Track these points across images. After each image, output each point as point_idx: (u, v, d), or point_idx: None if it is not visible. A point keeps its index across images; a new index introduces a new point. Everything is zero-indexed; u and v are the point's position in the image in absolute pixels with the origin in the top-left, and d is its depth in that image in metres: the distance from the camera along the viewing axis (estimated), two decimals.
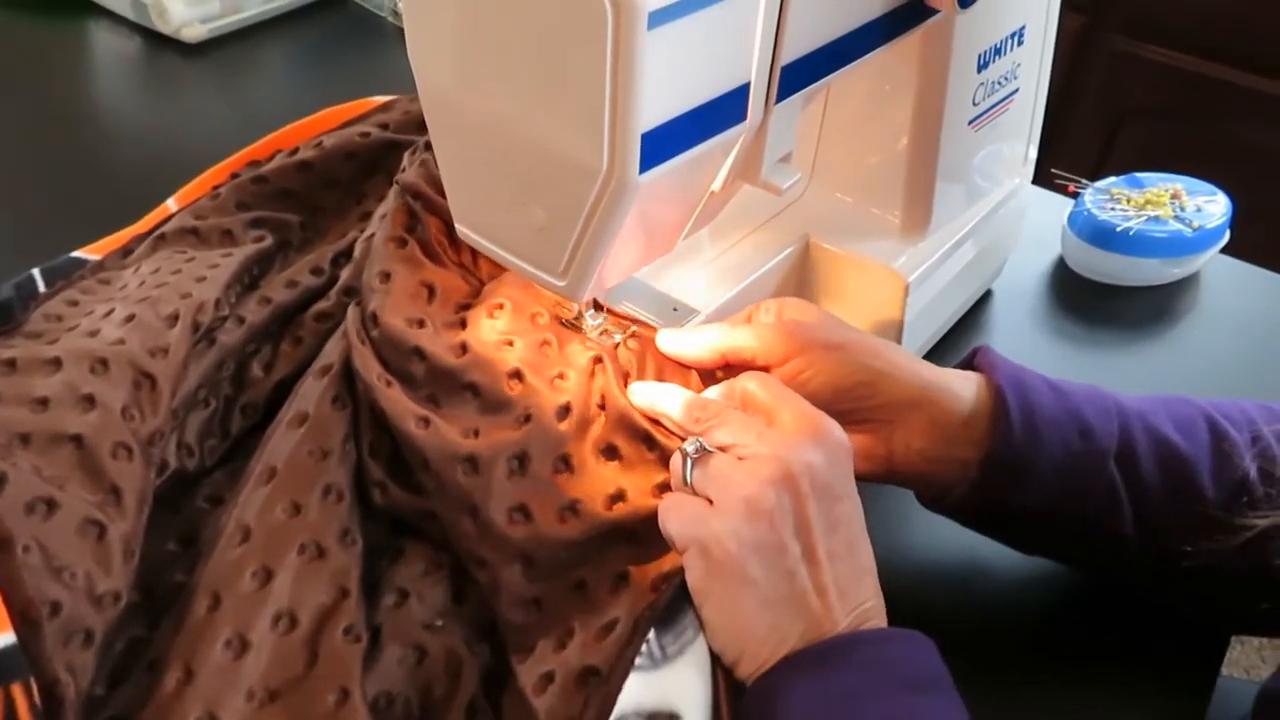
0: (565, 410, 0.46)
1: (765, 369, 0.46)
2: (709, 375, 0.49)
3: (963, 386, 0.46)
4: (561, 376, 0.48)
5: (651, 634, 0.40)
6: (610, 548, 0.43)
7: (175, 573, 0.45)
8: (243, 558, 0.43)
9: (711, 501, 0.41)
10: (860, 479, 0.47)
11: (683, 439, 0.44)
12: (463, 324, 0.51)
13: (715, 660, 0.40)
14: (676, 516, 0.41)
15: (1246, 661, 1.32)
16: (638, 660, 0.39)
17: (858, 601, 0.40)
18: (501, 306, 0.51)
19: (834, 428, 0.42)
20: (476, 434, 0.46)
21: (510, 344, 0.49)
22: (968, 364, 0.50)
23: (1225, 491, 0.45)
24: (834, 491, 0.41)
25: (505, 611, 0.43)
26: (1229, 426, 0.46)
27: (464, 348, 0.49)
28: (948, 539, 0.53)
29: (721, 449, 0.42)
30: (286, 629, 0.41)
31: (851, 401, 0.45)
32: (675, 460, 0.43)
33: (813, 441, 0.41)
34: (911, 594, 0.52)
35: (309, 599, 0.42)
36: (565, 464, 0.45)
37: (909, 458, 0.46)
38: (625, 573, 0.43)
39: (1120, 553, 0.46)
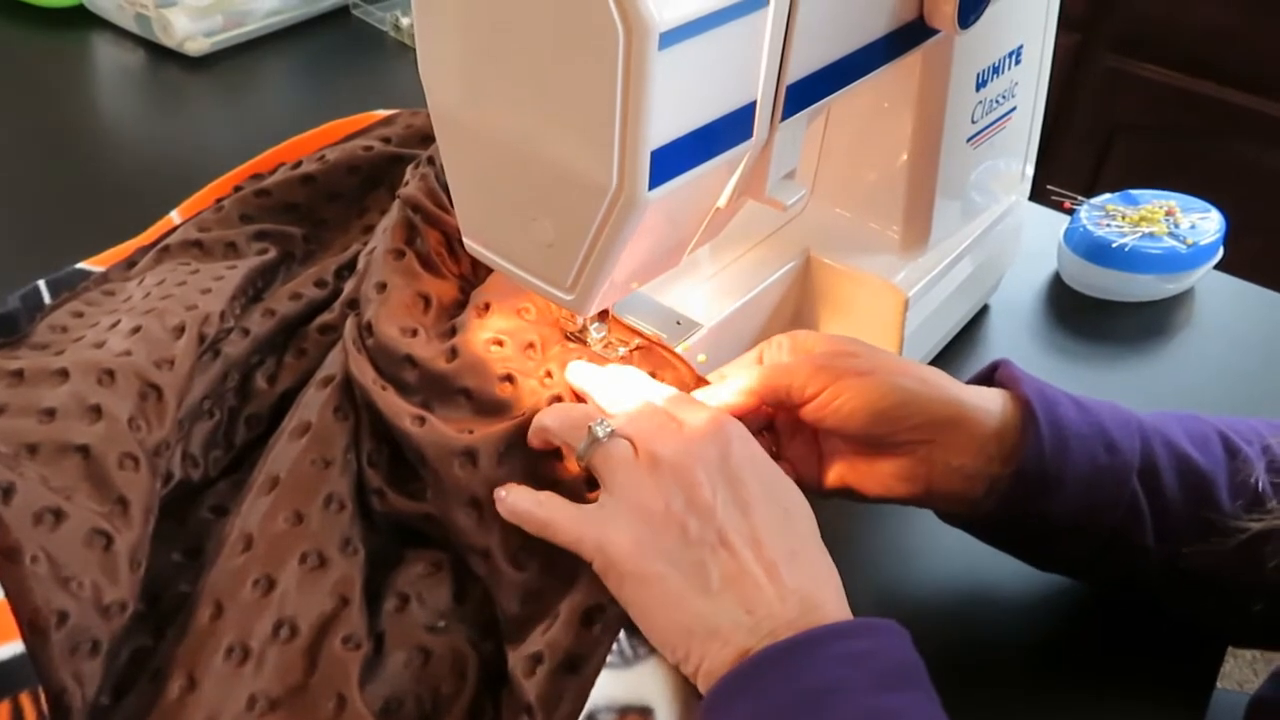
0: (556, 401, 0.47)
1: (800, 404, 0.46)
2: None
3: (990, 401, 0.46)
4: (549, 375, 0.49)
5: (622, 635, 0.41)
6: None
7: (180, 583, 0.45)
8: (245, 566, 0.43)
9: (604, 496, 0.42)
10: (901, 502, 0.48)
11: None
12: (453, 331, 0.51)
13: None
14: (568, 518, 0.42)
15: (1239, 675, 1.33)
16: (609, 659, 0.40)
17: (797, 582, 0.40)
18: (488, 307, 0.52)
19: (726, 419, 0.43)
20: (472, 432, 0.46)
21: (500, 344, 0.50)
22: (986, 376, 0.50)
23: (1240, 504, 0.45)
24: (740, 479, 0.41)
25: (504, 602, 0.43)
26: (1240, 442, 0.46)
27: (453, 351, 0.49)
28: (943, 558, 0.54)
29: (627, 437, 0.43)
30: (287, 637, 0.42)
31: (889, 424, 0.45)
32: (579, 435, 0.44)
33: (706, 436, 0.42)
34: (905, 613, 0.53)
35: (310, 608, 0.43)
36: (556, 451, 0.46)
37: (948, 475, 0.46)
38: None
39: (1138, 566, 0.46)
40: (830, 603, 0.40)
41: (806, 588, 0.40)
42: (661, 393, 0.47)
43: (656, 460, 0.42)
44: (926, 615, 0.52)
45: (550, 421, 0.45)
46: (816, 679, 0.36)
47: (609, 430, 0.43)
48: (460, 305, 0.55)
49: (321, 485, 0.47)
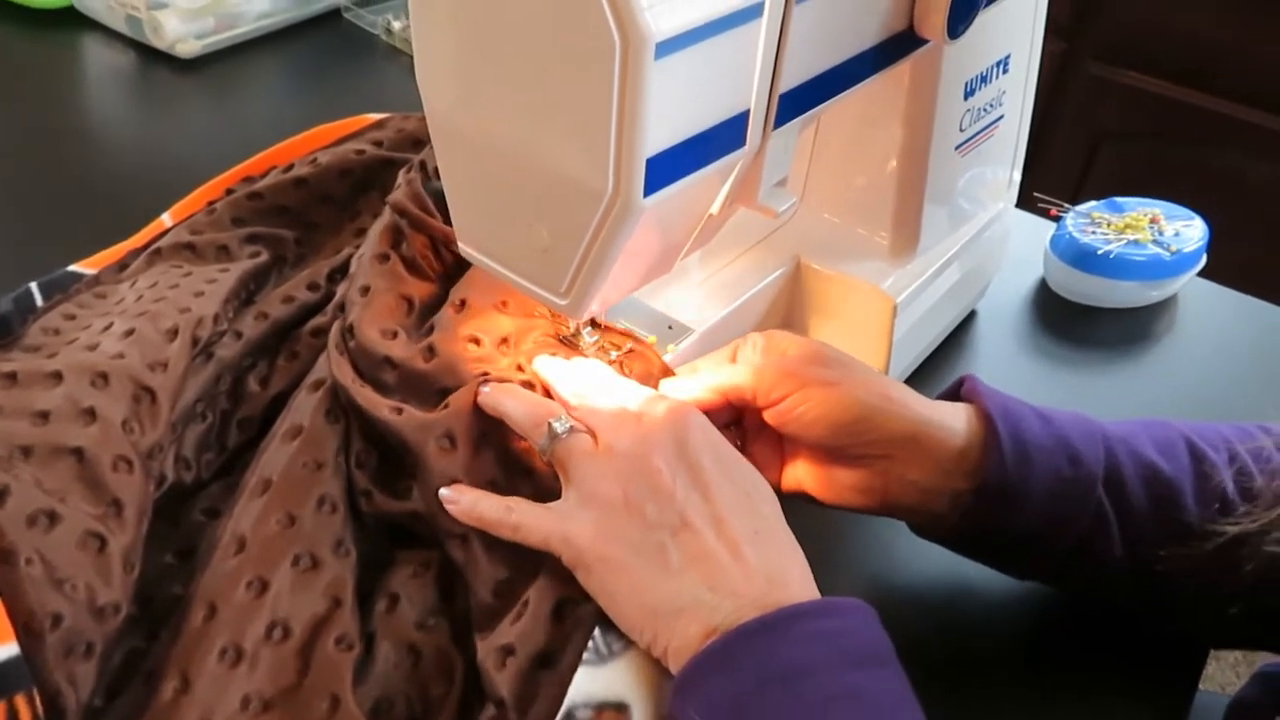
0: (528, 387, 0.48)
1: (764, 407, 0.47)
2: None
3: (954, 418, 0.47)
4: (519, 369, 0.49)
5: (597, 632, 0.41)
6: None
7: (173, 585, 0.45)
8: (238, 568, 0.44)
9: (564, 483, 0.43)
10: (857, 511, 0.49)
11: None
12: (431, 330, 0.52)
13: None
14: (534, 519, 0.43)
15: (1222, 678, 1.34)
16: (585, 655, 0.41)
17: (763, 560, 0.40)
18: (464, 303, 0.52)
19: (683, 406, 0.45)
20: (447, 406, 0.47)
21: (477, 342, 0.50)
22: (953, 393, 0.50)
23: (1207, 510, 0.46)
24: (698, 463, 0.42)
25: (479, 590, 0.44)
26: (1207, 448, 0.47)
27: (431, 350, 0.50)
28: (930, 558, 0.54)
29: (589, 429, 0.44)
30: (280, 639, 0.42)
31: (847, 437, 0.46)
32: (541, 431, 0.45)
33: (667, 425, 0.43)
34: (893, 612, 0.53)
35: (302, 609, 0.43)
36: None
37: (903, 490, 0.47)
38: None
39: (1109, 573, 0.47)
40: (795, 582, 0.41)
41: (771, 566, 0.40)
42: (624, 386, 0.47)
43: (613, 450, 0.43)
44: (908, 619, 0.52)
45: (511, 409, 0.46)
46: (785, 659, 0.37)
47: (568, 426, 0.44)
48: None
49: (313, 487, 0.47)
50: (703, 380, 0.48)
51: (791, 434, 0.47)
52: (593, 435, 0.44)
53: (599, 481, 0.42)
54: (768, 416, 0.47)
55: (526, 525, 0.43)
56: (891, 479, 0.47)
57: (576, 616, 0.41)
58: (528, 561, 0.44)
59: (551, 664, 0.41)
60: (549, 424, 0.44)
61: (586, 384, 0.47)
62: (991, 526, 0.46)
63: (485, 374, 0.48)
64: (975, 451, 0.46)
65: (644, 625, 0.40)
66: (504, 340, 0.51)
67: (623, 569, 0.40)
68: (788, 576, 0.41)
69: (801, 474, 0.49)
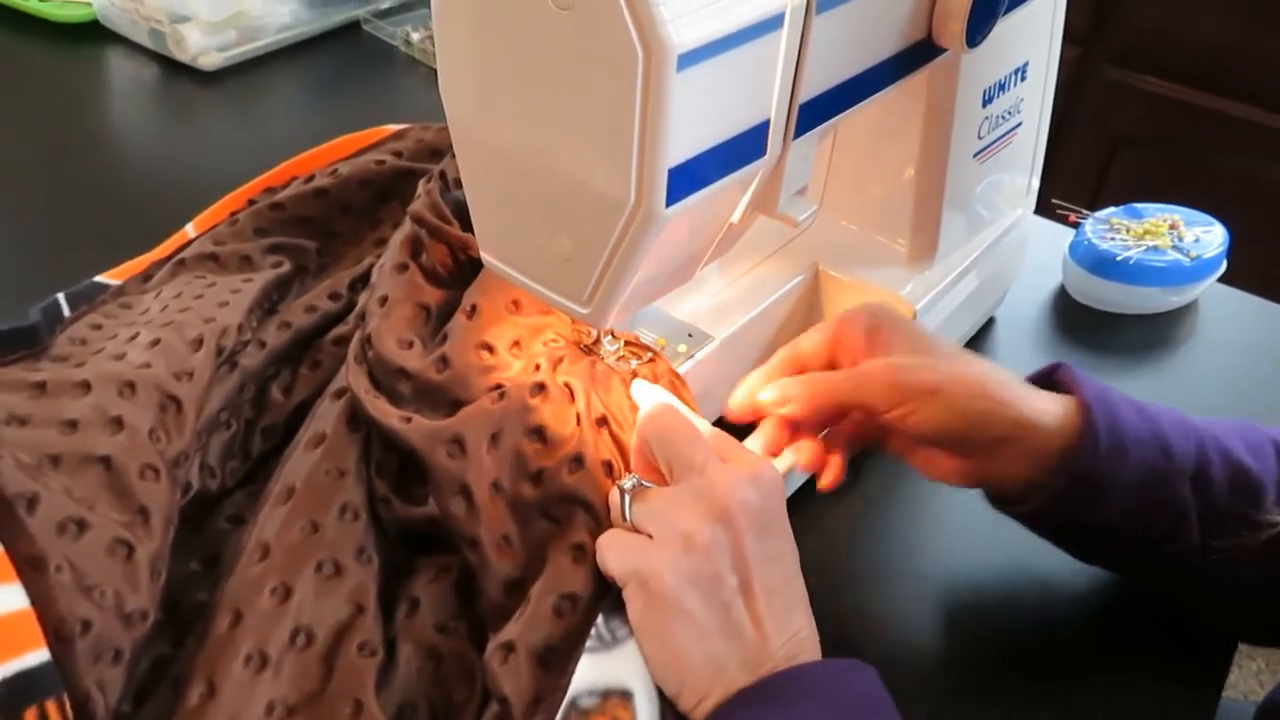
0: (539, 387, 0.48)
1: (872, 416, 0.47)
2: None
3: (1053, 414, 0.47)
4: (536, 368, 0.50)
5: (600, 618, 0.41)
6: (574, 514, 0.45)
7: (198, 592, 0.46)
8: (262, 575, 0.44)
9: (651, 536, 0.42)
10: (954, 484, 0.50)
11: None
12: (445, 338, 0.52)
13: None
14: (615, 551, 0.43)
15: (1244, 686, 1.33)
16: (588, 643, 0.41)
17: (791, 631, 0.41)
18: (474, 308, 0.52)
19: (769, 467, 0.44)
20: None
21: (490, 349, 0.51)
22: (1044, 376, 0.50)
23: None
24: (770, 528, 0.42)
25: (491, 591, 0.44)
26: None
27: (444, 361, 0.50)
28: (948, 558, 0.54)
29: (664, 480, 0.44)
30: (304, 645, 0.42)
31: (955, 441, 0.47)
32: (614, 496, 0.45)
33: (749, 479, 0.43)
34: (915, 607, 0.53)
35: (326, 615, 0.43)
36: (539, 436, 0.47)
37: (1003, 480, 0.48)
38: (583, 544, 0.44)
39: (1183, 566, 0.47)
40: (808, 650, 0.42)
41: (799, 636, 0.41)
42: (718, 434, 0.47)
43: (699, 504, 0.42)
44: (920, 622, 0.52)
45: (653, 437, 0.46)
46: (788, 716, 0.38)
47: (635, 482, 0.44)
48: None
49: (336, 495, 0.47)
50: (808, 390, 0.48)
51: (901, 434, 0.48)
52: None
53: (685, 520, 0.42)
54: (879, 421, 0.48)
55: (607, 561, 0.43)
56: (993, 472, 0.48)
57: (577, 610, 0.42)
58: (537, 561, 0.44)
59: (552, 658, 0.41)
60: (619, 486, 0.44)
61: (672, 424, 0.46)
62: (1078, 512, 0.47)
63: (499, 385, 0.49)
64: (1071, 441, 0.46)
65: (685, 677, 0.40)
66: (516, 344, 0.51)
67: (687, 619, 0.40)
68: (806, 646, 0.41)
69: (904, 449, 0.50)
